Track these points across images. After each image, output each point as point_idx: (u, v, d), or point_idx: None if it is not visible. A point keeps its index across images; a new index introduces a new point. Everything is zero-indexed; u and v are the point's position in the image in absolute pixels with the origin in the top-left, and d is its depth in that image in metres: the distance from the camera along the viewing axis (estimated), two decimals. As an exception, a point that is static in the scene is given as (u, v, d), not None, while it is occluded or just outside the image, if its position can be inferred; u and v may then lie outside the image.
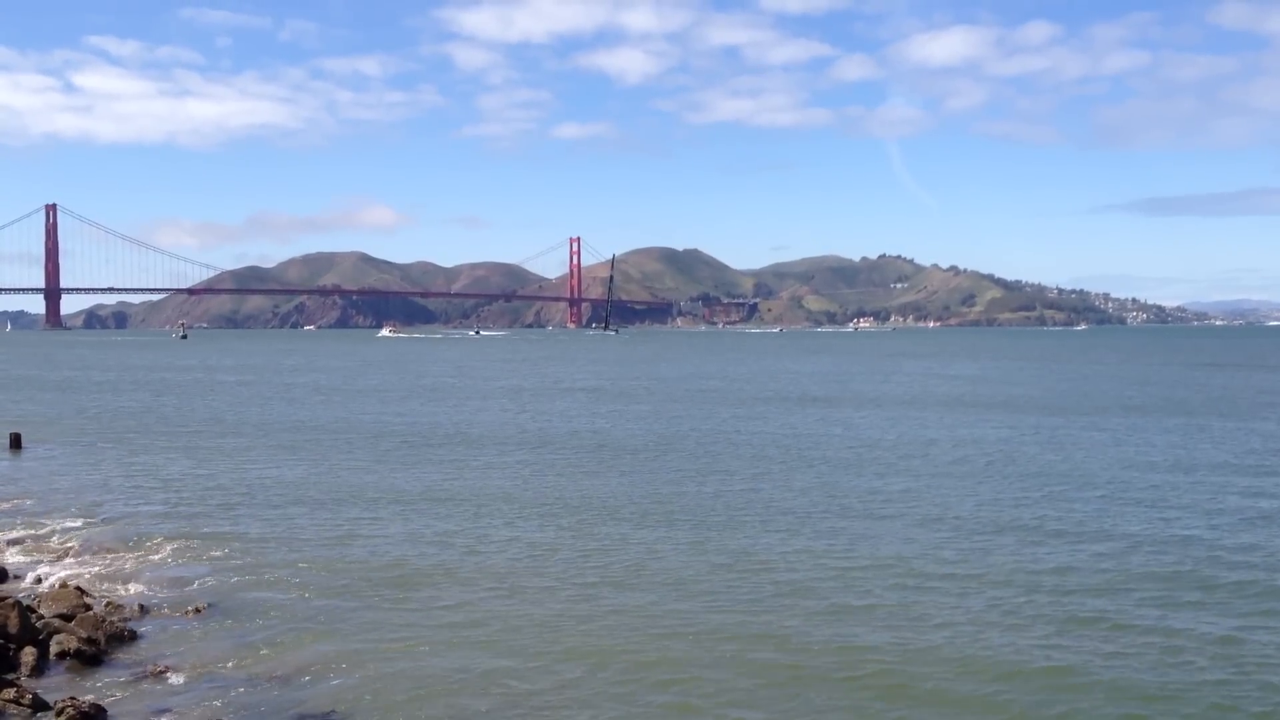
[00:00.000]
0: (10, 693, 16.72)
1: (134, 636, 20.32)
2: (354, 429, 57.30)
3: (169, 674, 18.34)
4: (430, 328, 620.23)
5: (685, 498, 34.75)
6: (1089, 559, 25.51)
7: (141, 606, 22.19)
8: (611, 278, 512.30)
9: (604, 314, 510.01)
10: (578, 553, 26.74)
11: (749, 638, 19.87)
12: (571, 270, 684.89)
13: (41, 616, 20.67)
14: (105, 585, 23.85)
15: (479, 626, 20.79)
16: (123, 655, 19.32)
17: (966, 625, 20.54)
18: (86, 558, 26.60)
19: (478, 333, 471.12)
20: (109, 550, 27.35)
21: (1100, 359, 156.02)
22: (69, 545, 27.95)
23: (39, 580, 24.26)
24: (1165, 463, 41.61)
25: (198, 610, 21.97)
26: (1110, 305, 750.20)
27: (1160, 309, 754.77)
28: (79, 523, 30.86)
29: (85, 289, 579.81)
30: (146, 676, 18.26)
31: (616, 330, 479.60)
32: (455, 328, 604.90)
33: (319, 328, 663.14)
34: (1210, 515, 31.07)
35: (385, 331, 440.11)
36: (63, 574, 24.73)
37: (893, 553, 26.26)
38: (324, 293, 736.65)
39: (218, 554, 26.91)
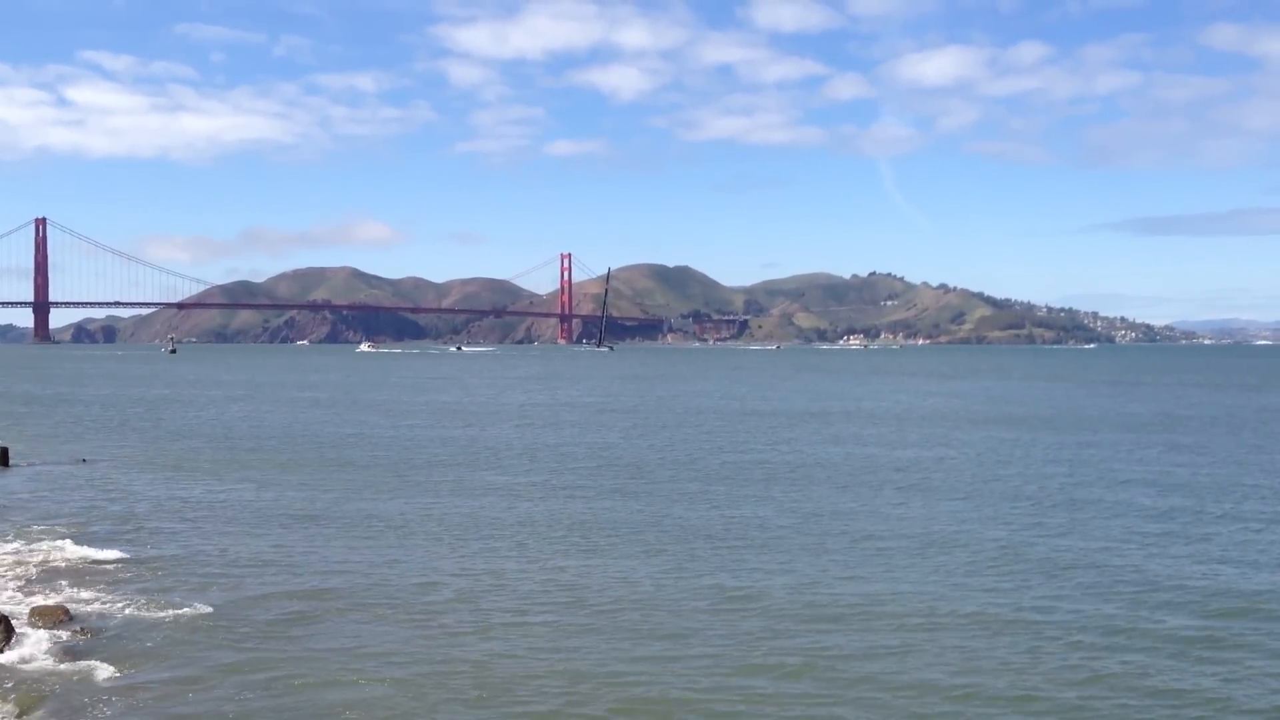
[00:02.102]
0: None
1: (117, 650, 20.70)
2: (343, 448, 57.64)
3: (152, 685, 18.80)
4: (421, 343, 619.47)
5: (673, 522, 34.75)
6: (1114, 600, 24.21)
7: (123, 622, 22.63)
8: (606, 292, 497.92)
9: (596, 330, 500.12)
10: (543, 584, 26.12)
11: (719, 690, 18.59)
12: (562, 286, 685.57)
13: (27, 633, 21.10)
14: (89, 601, 24.24)
15: (403, 659, 20.29)
16: (103, 668, 19.70)
17: (975, 676, 19.19)
18: (70, 574, 26.98)
19: (459, 349, 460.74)
20: (93, 567, 27.77)
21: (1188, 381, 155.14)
22: (53, 561, 28.33)
23: (24, 595, 24.62)
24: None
25: (182, 625, 22.43)
26: (1099, 324, 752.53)
27: (1149, 328, 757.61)
28: (64, 539, 31.24)
29: (74, 303, 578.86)
30: (126, 689, 18.68)
31: (611, 347, 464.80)
32: (445, 343, 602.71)
33: (312, 342, 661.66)
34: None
35: (364, 347, 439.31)
36: (47, 590, 25.17)
37: (897, 590, 25.05)
38: (314, 308, 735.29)
39: (202, 572, 27.39)
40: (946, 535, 31.98)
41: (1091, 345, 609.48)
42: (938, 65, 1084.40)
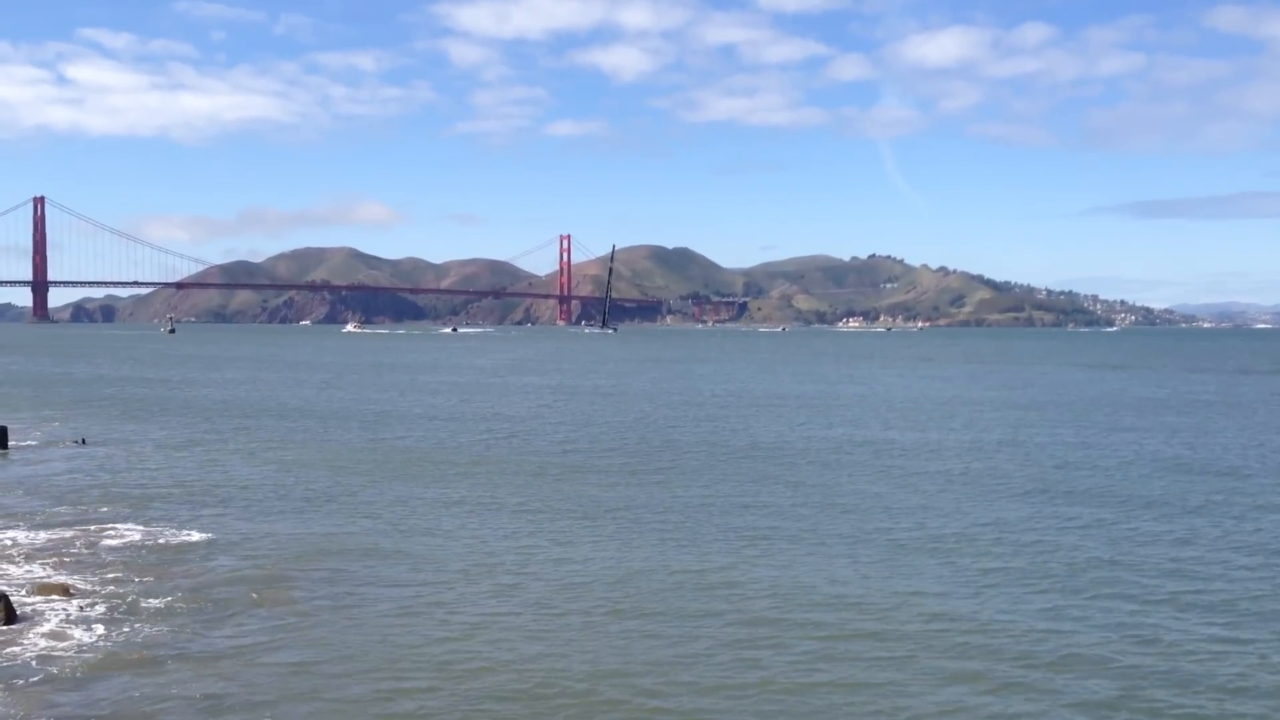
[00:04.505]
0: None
1: (117, 628, 20.87)
2: (346, 427, 57.72)
3: (152, 664, 18.99)
4: (420, 324, 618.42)
5: (685, 512, 34.71)
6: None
7: (124, 600, 22.76)
8: (611, 270, 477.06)
9: (599, 311, 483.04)
10: (545, 583, 26.10)
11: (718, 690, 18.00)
12: (562, 268, 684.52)
13: (29, 610, 21.21)
14: (89, 579, 24.38)
15: (398, 652, 20.05)
16: (102, 646, 19.86)
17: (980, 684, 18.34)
18: (71, 552, 27.14)
19: (455, 330, 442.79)
20: (92, 546, 27.91)
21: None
22: (54, 540, 28.50)
23: (24, 574, 24.78)
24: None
25: (182, 604, 22.60)
26: (1099, 307, 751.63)
27: (1148, 311, 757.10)
28: (64, 518, 31.48)
29: (73, 282, 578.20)
30: (126, 667, 18.85)
31: (615, 329, 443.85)
32: (443, 323, 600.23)
33: (313, 323, 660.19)
34: None
35: (350, 327, 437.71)
36: (48, 568, 25.38)
37: (910, 590, 23.91)
38: (313, 288, 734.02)
39: (203, 551, 27.59)
40: (986, 533, 32.00)
41: (1113, 329, 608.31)
42: (941, 46, 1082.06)
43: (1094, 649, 19.91)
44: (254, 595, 23.32)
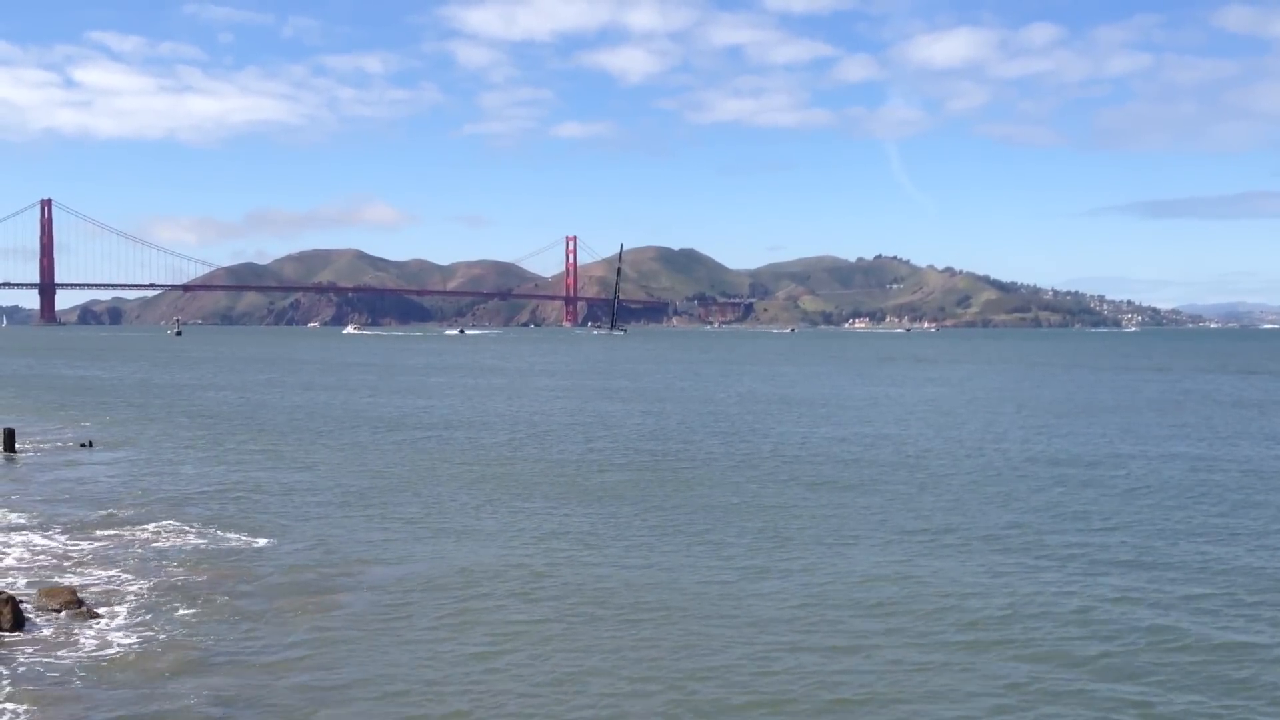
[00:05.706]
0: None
1: (125, 633, 20.19)
2: (360, 430, 57.06)
3: (160, 670, 18.29)
4: (426, 326, 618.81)
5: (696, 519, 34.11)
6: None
7: (131, 605, 22.11)
8: (619, 270, 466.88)
9: (605, 312, 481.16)
10: (567, 585, 25.77)
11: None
12: (568, 269, 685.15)
13: (36, 615, 20.59)
14: (97, 584, 23.73)
15: (410, 660, 20.03)
16: (110, 651, 19.16)
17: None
18: (79, 557, 26.51)
19: (462, 331, 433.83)
20: (99, 550, 27.26)
21: None
22: (61, 544, 27.87)
23: (32, 578, 24.10)
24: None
25: (190, 613, 21.91)
26: (1105, 307, 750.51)
27: (1155, 311, 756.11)
28: (71, 522, 30.81)
29: (80, 285, 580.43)
30: (134, 673, 18.16)
31: (624, 330, 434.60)
32: (449, 325, 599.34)
33: (320, 325, 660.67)
34: None
35: (350, 329, 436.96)
36: (56, 573, 24.71)
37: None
38: (319, 290, 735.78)
39: (213, 557, 26.88)
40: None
41: (1134, 329, 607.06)
42: (948, 47, 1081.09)
43: (1125, 651, 19.26)
44: (266, 601, 22.62)
